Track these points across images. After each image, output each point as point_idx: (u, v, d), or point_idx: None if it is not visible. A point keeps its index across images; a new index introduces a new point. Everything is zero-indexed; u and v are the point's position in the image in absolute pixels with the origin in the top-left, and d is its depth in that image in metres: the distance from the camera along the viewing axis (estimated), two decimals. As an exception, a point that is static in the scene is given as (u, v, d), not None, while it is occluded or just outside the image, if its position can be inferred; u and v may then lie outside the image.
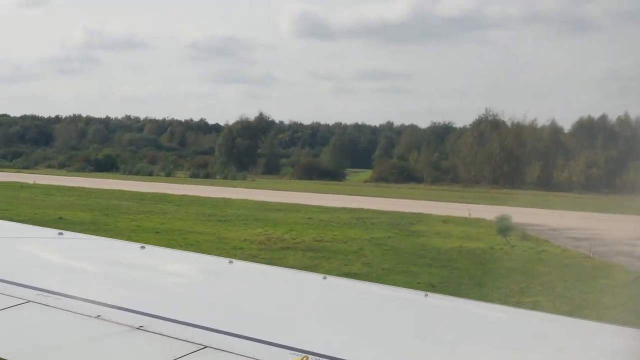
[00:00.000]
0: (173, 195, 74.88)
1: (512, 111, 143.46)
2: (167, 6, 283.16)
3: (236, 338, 2.94)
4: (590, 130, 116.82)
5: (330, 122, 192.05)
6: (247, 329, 3.13)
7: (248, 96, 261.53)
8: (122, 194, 73.20)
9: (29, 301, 3.29)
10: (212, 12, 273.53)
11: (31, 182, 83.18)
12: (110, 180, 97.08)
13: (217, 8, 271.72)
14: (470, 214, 61.50)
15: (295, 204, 68.56)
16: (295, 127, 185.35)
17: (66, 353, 2.89)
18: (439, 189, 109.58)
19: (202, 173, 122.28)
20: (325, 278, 5.03)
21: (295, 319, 3.78)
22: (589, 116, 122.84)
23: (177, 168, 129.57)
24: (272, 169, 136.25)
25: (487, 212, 59.48)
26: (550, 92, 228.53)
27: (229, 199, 73.03)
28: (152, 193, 75.68)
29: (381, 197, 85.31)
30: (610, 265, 37.29)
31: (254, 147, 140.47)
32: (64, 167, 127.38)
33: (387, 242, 42.29)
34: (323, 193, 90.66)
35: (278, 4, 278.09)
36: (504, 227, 48.55)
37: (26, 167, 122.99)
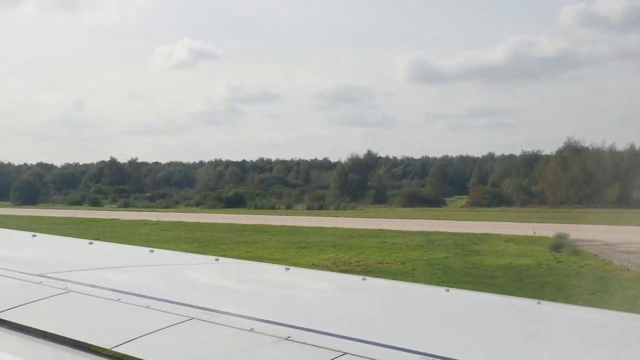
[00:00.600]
0: (273, 226, 74.50)
1: (599, 139, 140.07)
2: (297, 61, 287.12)
3: (370, 345, 3.00)
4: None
5: (439, 155, 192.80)
6: (379, 336, 3.21)
7: (369, 136, 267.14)
8: (230, 227, 73.59)
9: (192, 318, 3.45)
10: (337, 65, 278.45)
11: (155, 219, 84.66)
12: (232, 215, 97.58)
13: (341, 61, 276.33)
14: (535, 233, 58.52)
15: (378, 230, 66.95)
16: (407, 162, 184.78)
17: None
18: (526, 210, 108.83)
19: (317, 205, 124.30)
20: (447, 290, 5.09)
21: (419, 326, 3.82)
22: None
23: (297, 202, 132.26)
24: (381, 199, 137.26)
25: (554, 230, 56.99)
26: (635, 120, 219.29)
27: (322, 227, 72.14)
28: (255, 225, 75.51)
29: (467, 220, 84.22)
30: (640, 276, 35.67)
31: (364, 180, 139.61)
32: (199, 205, 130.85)
33: (443, 262, 41.27)
34: (415, 219, 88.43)
35: (393, 55, 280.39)
36: (556, 244, 48.03)
37: (167, 207, 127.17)
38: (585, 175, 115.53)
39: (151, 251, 5.91)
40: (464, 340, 3.51)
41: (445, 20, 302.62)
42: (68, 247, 6.01)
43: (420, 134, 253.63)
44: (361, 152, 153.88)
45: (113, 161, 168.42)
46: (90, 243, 5.80)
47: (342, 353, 2.89)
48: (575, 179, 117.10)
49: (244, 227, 72.24)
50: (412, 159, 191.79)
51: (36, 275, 4.33)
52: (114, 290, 3.95)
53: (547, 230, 59.30)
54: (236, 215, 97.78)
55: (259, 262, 6.54)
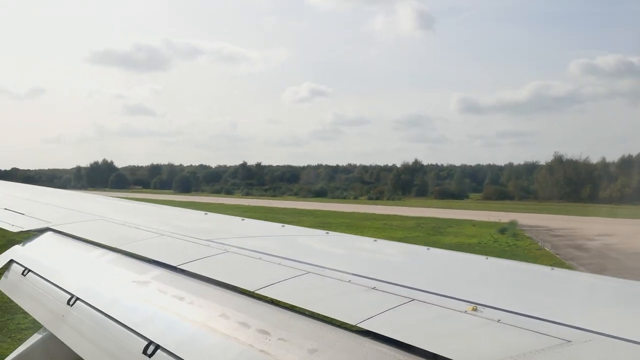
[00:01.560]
0: (321, 210, 68.33)
1: (588, 154, 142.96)
2: (382, 96, 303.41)
3: (431, 294, 2.75)
4: (630, 163, 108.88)
5: (474, 163, 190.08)
6: (439, 289, 2.87)
7: (429, 149, 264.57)
8: (294, 211, 66.53)
9: (308, 272, 3.37)
10: (409, 99, 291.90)
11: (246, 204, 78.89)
12: (313, 203, 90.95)
13: (412, 96, 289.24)
14: (500, 220, 52.88)
15: (392, 215, 61.94)
16: (450, 168, 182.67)
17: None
18: (519, 203, 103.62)
19: (375, 197, 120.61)
20: (486, 259, 4.24)
21: (464, 281, 3.46)
22: (630, 155, 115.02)
23: (364, 194, 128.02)
24: (423, 194, 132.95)
25: (519, 217, 53.62)
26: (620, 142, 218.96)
27: (350, 212, 66.41)
28: (310, 210, 69.30)
29: (466, 209, 77.86)
30: (548, 254, 33.27)
31: (412, 180, 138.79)
32: (296, 194, 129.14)
33: (409, 239, 36.75)
34: (430, 207, 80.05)
35: (448, 93, 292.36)
36: (503, 229, 44.69)
37: (274, 196, 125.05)
38: (565, 179, 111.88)
39: (282, 226, 5.50)
40: (502, 292, 3.16)
41: (484, 69, 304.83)
42: (225, 222, 5.97)
43: (464, 149, 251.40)
44: (413, 160, 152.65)
45: (244, 164, 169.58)
46: (242, 219, 5.79)
47: (411, 299, 2.73)
48: (558, 181, 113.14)
49: (299, 212, 66.66)
50: (454, 166, 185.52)
51: (205, 240, 4.42)
52: (255, 251, 3.94)
53: (516, 218, 54.19)
54: (314, 203, 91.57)
55: (347, 234, 5.50)
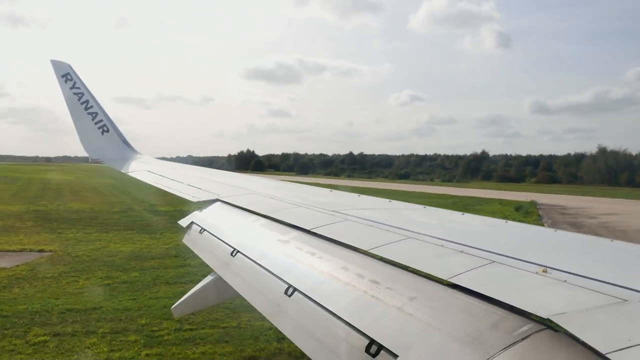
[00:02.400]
0: (389, 190, 59.23)
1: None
2: (467, 101, 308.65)
3: (510, 258, 2.55)
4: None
5: (537, 154, 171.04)
6: (516, 253, 2.64)
7: (506, 143, 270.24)
8: (363, 189, 59.26)
9: (408, 237, 3.14)
10: (489, 103, 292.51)
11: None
12: (393, 184, 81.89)
13: (491, 100, 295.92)
14: (527, 199, 46.72)
15: (440, 194, 54.08)
16: (519, 158, 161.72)
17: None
18: (563, 186, 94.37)
19: (446, 179, 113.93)
20: (555, 231, 3.71)
21: (536, 248, 3.07)
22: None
23: (440, 178, 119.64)
24: (489, 177, 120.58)
25: (548, 198, 48.18)
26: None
27: (412, 191, 57.99)
28: (381, 189, 57.27)
29: (511, 191, 66.64)
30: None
31: (479, 166, 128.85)
32: (386, 177, 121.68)
33: None
34: (481, 189, 69.63)
35: (520, 97, 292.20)
36: (518, 206, 38.99)
37: (369, 178, 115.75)
38: (607, 167, 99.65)
39: (390, 201, 5.06)
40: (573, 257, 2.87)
41: (552, 77, 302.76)
42: (346, 197, 5.55)
43: (534, 143, 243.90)
44: (492, 152, 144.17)
45: (350, 153, 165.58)
46: (359, 196, 5.46)
47: (492, 261, 2.54)
48: (600, 169, 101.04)
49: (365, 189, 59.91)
50: (521, 156, 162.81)
51: (331, 210, 4.21)
52: (368, 219, 3.72)
53: (546, 198, 48.69)
54: (392, 183, 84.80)
55: (441, 209, 4.57)
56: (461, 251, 2.81)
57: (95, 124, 10.19)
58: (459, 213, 4.36)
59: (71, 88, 9.97)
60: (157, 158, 11.01)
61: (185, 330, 9.69)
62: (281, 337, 8.90)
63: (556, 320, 1.82)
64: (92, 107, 10.16)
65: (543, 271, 2.34)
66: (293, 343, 2.65)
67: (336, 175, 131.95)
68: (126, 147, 10.62)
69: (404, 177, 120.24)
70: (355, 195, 5.61)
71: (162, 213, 28.20)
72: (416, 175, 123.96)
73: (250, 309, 3.29)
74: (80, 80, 10.10)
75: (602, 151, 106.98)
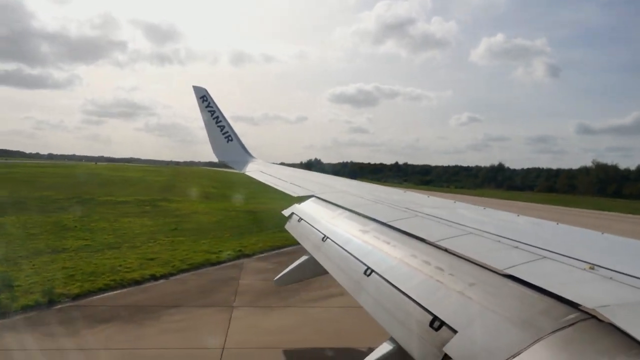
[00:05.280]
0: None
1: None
2: (517, 122, 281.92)
3: (562, 256, 2.45)
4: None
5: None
6: (569, 252, 2.49)
7: (552, 159, 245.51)
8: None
9: (469, 233, 3.08)
10: (542, 124, 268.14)
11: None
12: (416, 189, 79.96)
13: (542, 124, 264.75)
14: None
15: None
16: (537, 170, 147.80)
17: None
18: (552, 195, 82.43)
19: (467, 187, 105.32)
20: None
21: (585, 247, 2.87)
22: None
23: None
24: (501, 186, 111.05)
25: (524, 207, 37.04)
26: None
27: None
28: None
29: (499, 199, 54.30)
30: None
31: (496, 176, 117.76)
32: (425, 183, 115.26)
33: None
34: (482, 197, 59.12)
35: (566, 119, 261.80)
36: None
37: (401, 183, 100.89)
38: (597, 179, 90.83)
39: (454, 202, 4.81)
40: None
41: (596, 102, 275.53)
42: (415, 197, 5.36)
43: (578, 159, 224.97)
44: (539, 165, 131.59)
45: (396, 163, 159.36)
46: (428, 196, 5.26)
47: (543, 257, 2.46)
48: (591, 181, 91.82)
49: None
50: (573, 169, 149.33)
51: (404, 208, 4.25)
52: (435, 216, 3.69)
53: (522, 206, 37.78)
54: (414, 188, 79.84)
55: (498, 210, 4.24)
56: (516, 247, 2.73)
57: (223, 134, 11.13)
58: (515, 214, 4.18)
59: (207, 107, 11.06)
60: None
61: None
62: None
63: (601, 311, 1.75)
64: (220, 121, 11.15)
65: (590, 268, 2.24)
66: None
67: (380, 180, 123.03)
68: (245, 153, 11.44)
69: (426, 183, 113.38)
70: (423, 195, 5.53)
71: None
72: (441, 182, 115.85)
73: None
74: (213, 101, 11.14)
75: (596, 165, 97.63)
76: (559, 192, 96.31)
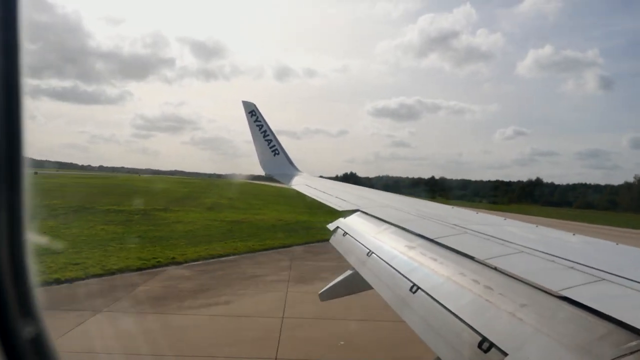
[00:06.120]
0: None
1: None
2: (567, 135, 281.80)
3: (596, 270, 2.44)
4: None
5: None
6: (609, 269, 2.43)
7: (605, 174, 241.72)
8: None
9: (522, 252, 3.00)
10: (589, 138, 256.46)
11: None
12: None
13: (591, 136, 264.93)
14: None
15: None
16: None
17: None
18: (590, 211, 78.10)
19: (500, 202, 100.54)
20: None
21: (596, 259, 2.76)
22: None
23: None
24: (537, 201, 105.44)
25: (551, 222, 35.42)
26: None
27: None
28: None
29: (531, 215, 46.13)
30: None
31: (533, 191, 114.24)
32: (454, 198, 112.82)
33: None
34: (510, 212, 58.92)
35: (620, 133, 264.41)
36: None
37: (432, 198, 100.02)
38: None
39: (504, 219, 4.66)
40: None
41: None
42: (464, 213, 5.28)
43: (630, 175, 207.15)
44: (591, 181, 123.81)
45: (433, 177, 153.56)
46: (477, 212, 5.17)
47: (601, 279, 2.33)
48: (633, 197, 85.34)
49: None
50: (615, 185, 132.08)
51: (452, 224, 4.19)
52: (483, 233, 3.66)
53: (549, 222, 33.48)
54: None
55: (549, 228, 4.17)
56: (571, 267, 2.60)
57: (270, 147, 11.37)
58: (570, 233, 3.95)
59: (255, 121, 11.41)
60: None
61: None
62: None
63: None
64: (268, 135, 11.46)
65: None
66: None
67: (414, 194, 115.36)
68: (291, 166, 11.56)
69: (459, 197, 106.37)
70: (473, 211, 5.37)
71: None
72: (474, 197, 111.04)
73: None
74: (261, 115, 11.49)
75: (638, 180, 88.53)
76: (598, 208, 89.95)
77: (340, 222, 5.42)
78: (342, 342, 9.03)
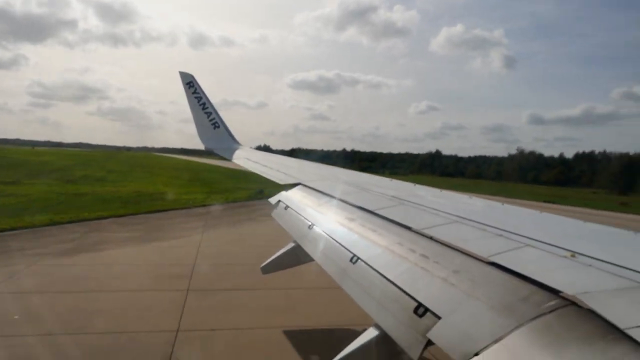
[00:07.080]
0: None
1: None
2: (474, 111, 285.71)
3: (543, 244, 2.50)
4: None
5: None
6: (550, 240, 2.54)
7: (506, 147, 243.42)
8: None
9: (456, 222, 3.09)
10: (493, 113, 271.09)
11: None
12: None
13: (495, 111, 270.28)
14: None
15: None
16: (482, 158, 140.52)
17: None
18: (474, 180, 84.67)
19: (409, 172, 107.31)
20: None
21: (563, 235, 2.88)
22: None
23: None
24: (435, 172, 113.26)
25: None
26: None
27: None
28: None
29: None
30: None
31: (433, 163, 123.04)
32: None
33: None
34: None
35: (520, 110, 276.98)
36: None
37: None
38: (519, 166, 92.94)
39: (440, 190, 4.74)
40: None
41: (547, 94, 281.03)
42: (399, 185, 5.33)
43: (529, 147, 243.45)
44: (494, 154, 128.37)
45: (344, 150, 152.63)
46: (414, 185, 5.23)
47: (526, 245, 2.50)
48: (514, 168, 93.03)
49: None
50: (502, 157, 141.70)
51: (389, 196, 4.26)
52: (421, 204, 3.69)
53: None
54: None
55: (484, 199, 4.30)
56: (500, 235, 2.74)
57: (210, 120, 10.96)
58: (500, 203, 4.18)
59: (193, 92, 10.84)
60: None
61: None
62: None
63: (581, 297, 1.77)
64: (207, 107, 10.95)
65: (571, 256, 2.26)
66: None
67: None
68: (231, 140, 11.29)
69: (365, 168, 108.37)
70: (410, 184, 5.49)
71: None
72: (379, 169, 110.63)
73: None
74: (199, 87, 10.91)
75: (521, 153, 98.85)
76: (486, 178, 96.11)
77: (282, 195, 5.38)
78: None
